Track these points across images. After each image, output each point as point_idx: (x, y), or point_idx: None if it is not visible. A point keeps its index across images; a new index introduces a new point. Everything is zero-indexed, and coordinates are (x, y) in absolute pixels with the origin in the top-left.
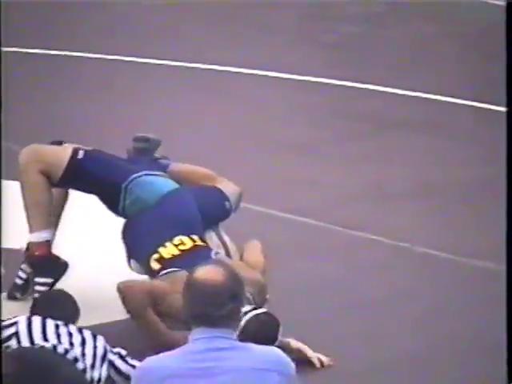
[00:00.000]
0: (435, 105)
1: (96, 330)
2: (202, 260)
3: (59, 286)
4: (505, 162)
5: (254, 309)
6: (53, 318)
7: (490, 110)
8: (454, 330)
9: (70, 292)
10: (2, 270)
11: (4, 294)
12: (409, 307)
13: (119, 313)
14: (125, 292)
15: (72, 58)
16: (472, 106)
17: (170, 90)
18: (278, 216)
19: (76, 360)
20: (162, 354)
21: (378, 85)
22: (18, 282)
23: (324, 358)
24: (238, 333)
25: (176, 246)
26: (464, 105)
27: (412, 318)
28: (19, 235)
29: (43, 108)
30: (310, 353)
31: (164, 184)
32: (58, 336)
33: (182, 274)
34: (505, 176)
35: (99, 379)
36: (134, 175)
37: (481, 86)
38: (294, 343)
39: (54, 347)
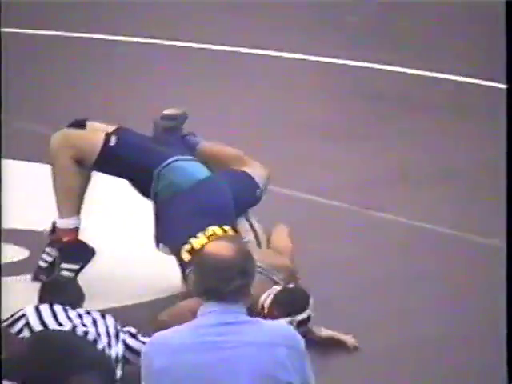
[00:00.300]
0: (459, 87)
1: (120, 312)
2: None
3: (85, 271)
4: None
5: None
6: (59, 302)
7: (492, 87)
8: (474, 311)
9: (95, 278)
10: (27, 252)
11: (22, 277)
12: (429, 288)
13: (142, 296)
14: (167, 320)
15: (93, 40)
16: (492, 86)
17: (196, 73)
18: (300, 197)
19: (95, 341)
20: (172, 329)
21: (401, 66)
22: (43, 264)
23: (353, 340)
24: (269, 305)
25: (208, 237)
26: (484, 86)
27: (432, 299)
28: (43, 217)
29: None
30: (342, 336)
31: (197, 170)
32: (70, 319)
33: None
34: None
35: (117, 357)
36: (167, 161)
37: (505, 68)
38: (325, 331)
39: (74, 329)
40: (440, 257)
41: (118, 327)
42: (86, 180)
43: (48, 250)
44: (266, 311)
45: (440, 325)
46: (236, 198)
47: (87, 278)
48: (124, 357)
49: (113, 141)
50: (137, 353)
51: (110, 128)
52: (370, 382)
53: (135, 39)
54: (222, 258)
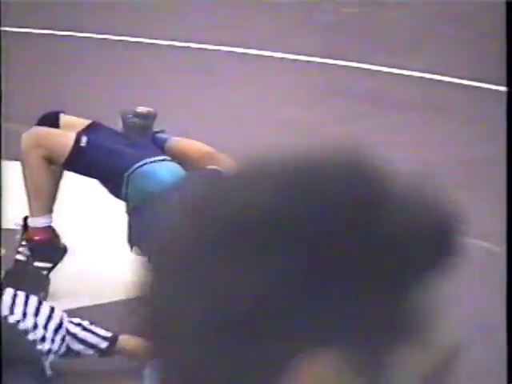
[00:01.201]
0: (435, 85)
1: (96, 311)
2: None
3: (58, 268)
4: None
5: None
6: (19, 289)
7: (491, 89)
8: (471, 313)
9: (70, 275)
10: (3, 251)
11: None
12: None
13: (116, 294)
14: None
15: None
16: (472, 85)
17: (172, 71)
18: None
19: (26, 332)
20: None
21: (378, 65)
22: (20, 257)
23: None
24: None
25: None
26: (464, 85)
27: None
28: (19, 216)
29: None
30: None
31: (166, 172)
32: (12, 306)
33: None
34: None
35: (49, 351)
36: (137, 165)
37: (481, 66)
38: None
39: (5, 318)
40: None
41: (65, 321)
42: (58, 179)
43: (20, 249)
44: None
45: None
46: None
47: (60, 275)
48: (71, 349)
49: (83, 141)
50: (88, 344)
51: (85, 122)
52: None
53: (125, 38)
54: None
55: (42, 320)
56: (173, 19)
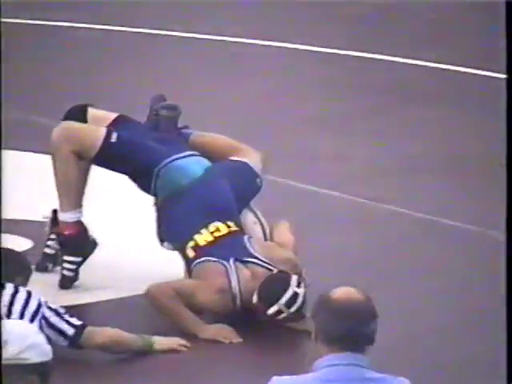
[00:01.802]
0: (461, 77)
1: (120, 304)
2: (234, 246)
3: (88, 263)
4: None
5: None
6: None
7: None
8: (479, 303)
9: (99, 270)
10: (31, 243)
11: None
12: (435, 280)
13: (143, 287)
14: (153, 292)
15: (92, 30)
16: (498, 78)
17: (197, 65)
18: (303, 189)
19: None
20: (293, 377)
21: (402, 57)
22: (49, 251)
23: None
24: (257, 299)
25: (211, 233)
26: (489, 77)
27: (438, 291)
28: (47, 208)
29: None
30: None
31: (196, 166)
32: None
33: (208, 265)
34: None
35: None
36: (166, 160)
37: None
38: None
39: None
40: (443, 248)
41: (43, 305)
42: (86, 174)
43: (49, 243)
44: (257, 306)
45: (444, 317)
46: (238, 191)
47: (89, 269)
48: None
49: (114, 137)
50: (57, 329)
51: (112, 116)
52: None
53: (134, 29)
54: (357, 301)
55: (17, 306)
56: (197, 12)
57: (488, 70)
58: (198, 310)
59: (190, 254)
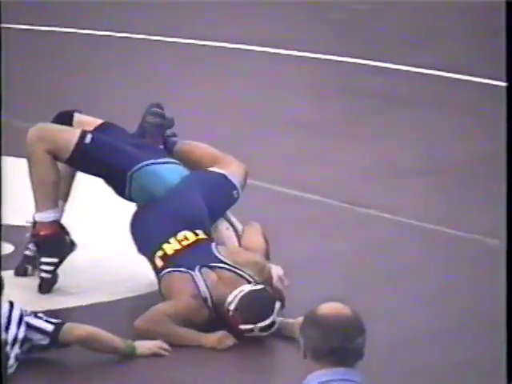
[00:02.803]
0: (446, 82)
1: (102, 308)
2: (201, 253)
3: (66, 263)
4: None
5: (251, 287)
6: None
7: (501, 86)
8: (463, 306)
9: (78, 270)
10: (12, 247)
11: (7, 272)
12: (418, 284)
13: (125, 291)
14: (143, 325)
15: (75, 34)
16: (482, 83)
17: (183, 69)
18: (287, 193)
19: None
20: None
21: (388, 62)
22: (28, 253)
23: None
24: (234, 310)
25: (179, 241)
26: (475, 82)
27: (421, 294)
28: (28, 212)
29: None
30: None
31: (171, 175)
32: None
33: (174, 276)
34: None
35: (15, 339)
36: (140, 164)
37: (493, 63)
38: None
39: None
40: (429, 253)
41: (24, 313)
42: (69, 176)
43: (29, 245)
44: (230, 315)
45: (428, 321)
46: (212, 202)
47: (70, 272)
48: (27, 338)
49: (88, 139)
50: (39, 330)
51: (97, 122)
52: (366, 379)
53: (120, 34)
54: (345, 316)
55: (4, 313)
56: (186, 16)
57: (475, 75)
58: (185, 324)
59: (159, 263)
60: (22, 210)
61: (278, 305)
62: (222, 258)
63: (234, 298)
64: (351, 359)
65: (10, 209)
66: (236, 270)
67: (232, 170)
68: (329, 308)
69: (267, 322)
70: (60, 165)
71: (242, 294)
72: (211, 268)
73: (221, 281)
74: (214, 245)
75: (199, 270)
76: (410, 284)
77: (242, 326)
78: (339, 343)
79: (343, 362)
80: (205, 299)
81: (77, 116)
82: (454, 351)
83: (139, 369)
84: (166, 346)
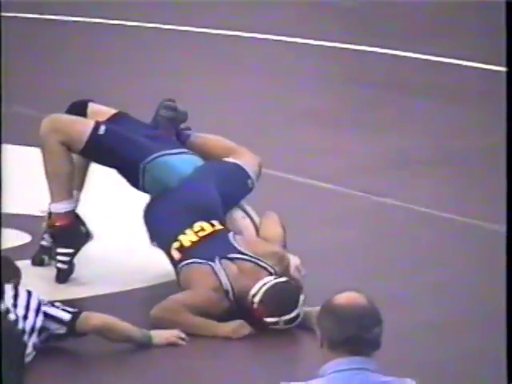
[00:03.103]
0: (458, 71)
1: (118, 298)
2: (220, 244)
3: (83, 253)
4: None
5: (274, 278)
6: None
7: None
8: (476, 295)
9: (94, 259)
10: (29, 237)
11: (24, 262)
12: (432, 273)
13: (140, 281)
14: (159, 314)
15: (83, 23)
16: (497, 71)
17: (193, 58)
18: (300, 182)
19: (7, 311)
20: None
21: (396, 50)
22: (45, 243)
23: None
24: (258, 303)
25: (196, 232)
26: (487, 71)
27: (435, 283)
28: (43, 202)
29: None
30: None
31: (184, 165)
32: None
33: (194, 268)
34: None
35: (33, 328)
36: (154, 155)
37: (504, 52)
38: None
39: None
40: (440, 242)
41: (42, 302)
42: (84, 166)
43: (45, 235)
44: (254, 308)
45: (441, 310)
46: (226, 192)
47: (86, 263)
48: (44, 327)
49: (101, 130)
50: (56, 319)
51: (112, 111)
52: (379, 366)
53: (130, 23)
54: (362, 306)
55: (22, 302)
56: (192, 6)
57: (484, 63)
58: (203, 315)
59: (176, 255)
60: (37, 199)
61: (302, 297)
62: (241, 249)
63: (258, 290)
64: (367, 349)
65: (26, 199)
66: (256, 260)
67: (246, 160)
68: (345, 297)
69: (292, 314)
70: (74, 155)
71: (266, 286)
72: (231, 259)
73: (242, 272)
74: (231, 235)
75: (219, 262)
76: (423, 272)
77: (267, 319)
78: (355, 332)
79: (359, 352)
80: (226, 291)
81: (91, 105)
82: (464, 340)
83: (155, 358)
84: (183, 335)
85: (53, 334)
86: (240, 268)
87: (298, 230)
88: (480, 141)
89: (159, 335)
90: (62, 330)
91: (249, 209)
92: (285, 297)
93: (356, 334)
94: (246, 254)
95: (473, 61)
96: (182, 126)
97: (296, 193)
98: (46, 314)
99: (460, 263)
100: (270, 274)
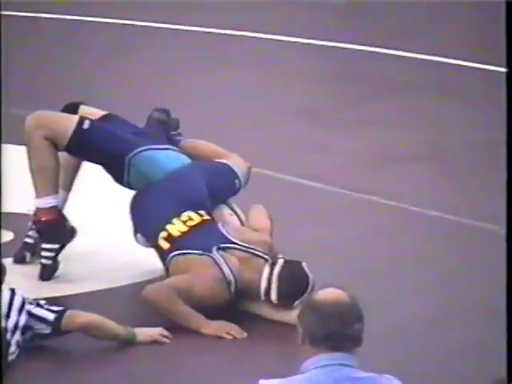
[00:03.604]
0: (444, 68)
1: (103, 295)
2: (212, 234)
3: (67, 251)
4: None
5: (272, 266)
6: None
7: (498, 71)
8: (464, 293)
9: (79, 256)
10: (12, 235)
11: (7, 260)
12: (420, 271)
13: (127, 278)
14: (150, 295)
15: (73, 21)
16: (479, 68)
17: (180, 56)
18: (287, 180)
19: None
20: (283, 380)
21: (386, 48)
22: (28, 240)
23: None
24: (277, 297)
25: (184, 222)
26: (472, 67)
27: (422, 281)
28: (29, 200)
29: (51, 73)
30: None
31: (170, 160)
32: None
33: (192, 259)
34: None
35: (15, 326)
36: (138, 149)
37: (488, 49)
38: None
39: None
40: (426, 240)
41: (26, 301)
42: (76, 164)
43: (30, 232)
44: (274, 299)
45: (426, 308)
46: (213, 188)
47: (70, 260)
48: (28, 326)
49: (86, 124)
50: (40, 319)
51: (101, 113)
52: (363, 363)
53: (121, 21)
54: (343, 302)
55: (4, 300)
56: (183, 4)
57: (473, 61)
58: (196, 304)
59: (164, 245)
60: (23, 197)
61: (304, 264)
62: (233, 239)
63: (267, 287)
64: (348, 345)
65: (10, 197)
66: (251, 250)
67: (235, 162)
68: (326, 294)
69: (310, 284)
70: (64, 156)
71: (275, 279)
72: (225, 250)
73: (241, 263)
74: (220, 225)
75: (217, 252)
76: (411, 270)
77: (296, 303)
78: (336, 328)
79: (340, 348)
80: (229, 283)
81: (82, 108)
82: (454, 338)
83: (139, 356)
84: (167, 333)
85: (38, 333)
86: (239, 258)
87: (285, 227)
88: (467, 137)
89: (143, 333)
90: (47, 329)
91: (236, 208)
92: (297, 279)
93: (338, 330)
94: (239, 244)
95: (461, 58)
96: (174, 132)
97: (284, 191)
98: (31, 314)
99: (447, 261)
100: (266, 261)
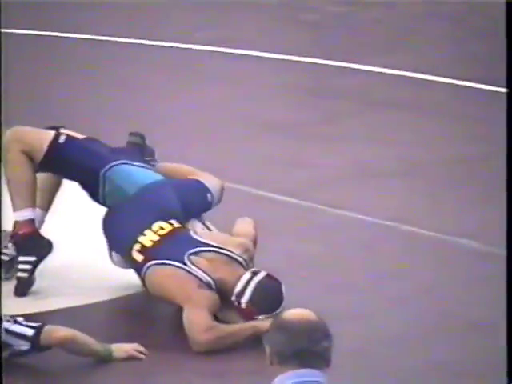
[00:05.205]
0: (419, 83)
1: (79, 311)
2: (182, 241)
3: (44, 265)
4: (490, 141)
5: (253, 274)
6: None
7: (473, 88)
8: (440, 308)
9: (55, 272)
10: None
11: None
12: (395, 286)
13: (103, 294)
14: (199, 339)
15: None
16: (454, 84)
17: (156, 71)
18: (262, 196)
19: None
20: None
21: (362, 64)
22: (5, 258)
23: None
24: (247, 301)
25: (155, 232)
26: (447, 83)
27: (398, 297)
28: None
29: (36, 91)
30: None
31: (144, 175)
32: None
33: (169, 269)
34: (499, 155)
35: None
36: (113, 163)
37: (464, 64)
38: None
39: None
40: (402, 255)
41: (3, 318)
42: (56, 183)
43: (5, 250)
44: (242, 307)
45: (404, 323)
46: (185, 201)
47: (46, 276)
48: (6, 343)
49: (62, 139)
50: (19, 335)
51: (82, 136)
52: (341, 379)
53: (112, 39)
54: (311, 320)
55: None
56: (157, 19)
57: (449, 77)
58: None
59: (138, 257)
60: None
61: (283, 286)
62: (206, 241)
63: (242, 289)
64: (317, 362)
65: None
66: (223, 250)
67: (208, 179)
68: (293, 313)
69: (279, 309)
70: (43, 176)
71: (252, 285)
72: (196, 254)
73: (212, 263)
74: (191, 231)
75: (188, 259)
76: (386, 285)
77: (260, 317)
78: (304, 345)
79: (308, 365)
80: (208, 284)
81: (62, 131)
82: (431, 352)
83: (115, 372)
84: (143, 349)
85: (16, 350)
86: (208, 260)
87: (260, 243)
88: (443, 153)
89: (119, 349)
90: (26, 346)
91: (209, 224)
92: (272, 293)
93: (306, 347)
94: (212, 245)
95: (437, 74)
96: (148, 158)
97: (259, 206)
98: (9, 331)
99: (423, 276)
100: (240, 263)
